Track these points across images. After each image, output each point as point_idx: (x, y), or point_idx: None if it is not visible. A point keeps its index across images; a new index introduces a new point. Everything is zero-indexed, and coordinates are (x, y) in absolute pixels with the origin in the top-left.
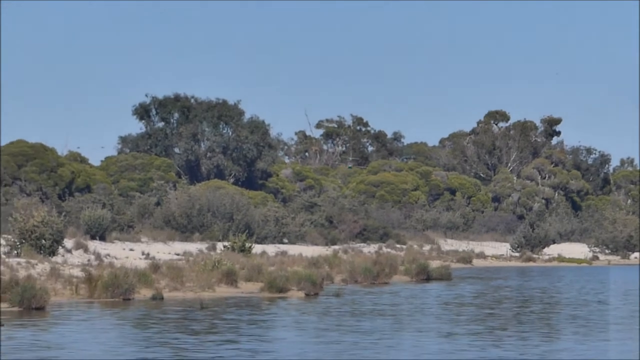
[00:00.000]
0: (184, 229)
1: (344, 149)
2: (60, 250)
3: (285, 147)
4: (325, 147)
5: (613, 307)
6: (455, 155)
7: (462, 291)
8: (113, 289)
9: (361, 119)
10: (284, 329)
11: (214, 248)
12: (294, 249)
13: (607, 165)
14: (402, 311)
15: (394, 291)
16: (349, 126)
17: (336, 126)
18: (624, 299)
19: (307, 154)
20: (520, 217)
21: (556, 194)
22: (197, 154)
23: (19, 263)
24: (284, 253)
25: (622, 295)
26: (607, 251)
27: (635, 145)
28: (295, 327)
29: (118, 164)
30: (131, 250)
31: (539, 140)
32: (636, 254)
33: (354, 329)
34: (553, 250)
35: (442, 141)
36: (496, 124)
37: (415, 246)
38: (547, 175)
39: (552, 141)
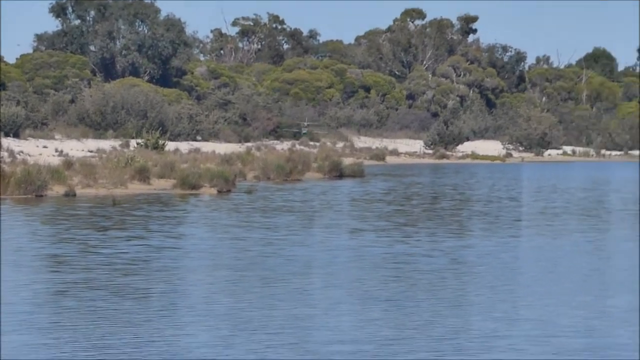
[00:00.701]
0: (97, 126)
1: (259, 47)
2: None
3: (201, 45)
4: (240, 45)
5: (524, 203)
6: (371, 53)
7: (374, 188)
8: (25, 186)
9: (277, 17)
10: (193, 225)
11: (127, 145)
12: (207, 146)
13: (522, 63)
14: (312, 208)
15: (306, 188)
16: (265, 24)
17: (252, 24)
18: (536, 195)
19: (222, 51)
20: (435, 115)
21: (471, 92)
22: (112, 51)
23: None
24: (197, 150)
25: (534, 192)
26: (520, 148)
27: (551, 44)
28: (204, 224)
29: (33, 61)
30: (45, 147)
31: (454, 38)
32: (550, 151)
33: (263, 225)
34: (467, 147)
35: (357, 39)
36: (412, 22)
37: (328, 143)
38: (462, 73)
39: (468, 39)
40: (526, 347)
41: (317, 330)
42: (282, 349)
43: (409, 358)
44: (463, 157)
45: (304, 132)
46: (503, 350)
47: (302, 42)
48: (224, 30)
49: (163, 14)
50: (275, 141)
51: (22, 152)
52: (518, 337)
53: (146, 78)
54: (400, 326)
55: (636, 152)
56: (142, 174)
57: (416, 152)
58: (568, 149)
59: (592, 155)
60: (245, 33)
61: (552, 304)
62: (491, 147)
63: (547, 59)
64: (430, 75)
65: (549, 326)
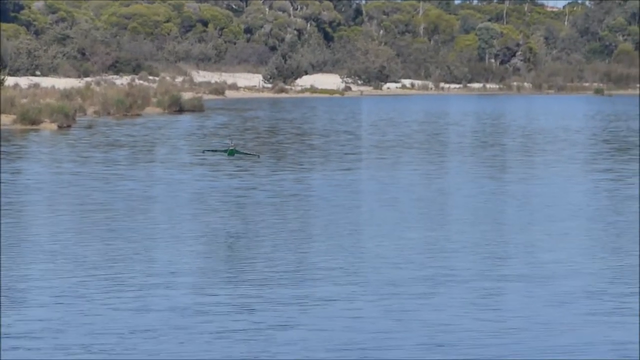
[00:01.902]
0: None
1: None
2: None
3: None
4: None
5: (360, 137)
6: None
7: (212, 122)
8: None
9: None
10: (28, 160)
11: None
12: (46, 82)
13: None
14: (146, 142)
15: (144, 123)
16: None
17: None
18: (373, 129)
19: None
20: (273, 49)
21: (308, 25)
22: None
23: None
24: (36, 85)
25: (371, 126)
26: (359, 82)
27: None
28: (41, 159)
29: None
30: None
31: None
32: (389, 85)
33: (96, 160)
34: (305, 81)
35: None
36: None
37: (167, 78)
38: (299, 7)
39: None
40: (342, 277)
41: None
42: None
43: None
44: (302, 91)
45: (231, 149)
46: (316, 279)
47: None
48: None
49: None
50: (115, 76)
51: None
52: (326, 270)
53: None
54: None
55: (475, 85)
56: None
57: (255, 86)
58: (407, 82)
59: (431, 88)
60: None
61: (380, 235)
62: (330, 81)
63: None
64: (267, 9)
65: (367, 257)
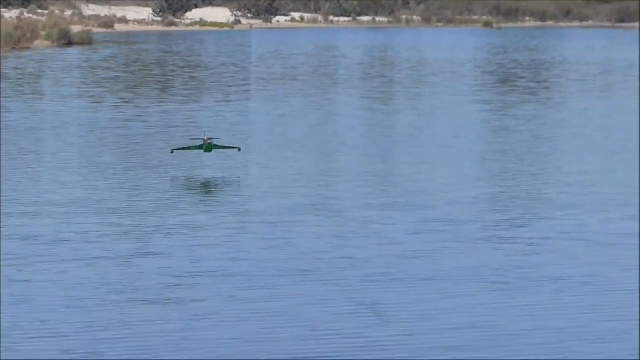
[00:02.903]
0: None
1: None
2: None
3: None
4: None
5: (247, 69)
6: None
7: (99, 55)
8: None
9: None
10: None
11: None
12: None
13: None
14: (32, 75)
15: (31, 56)
16: None
17: None
18: (260, 62)
19: None
20: None
21: None
22: None
23: None
24: None
25: (258, 59)
26: (249, 15)
27: None
28: None
29: None
30: None
31: None
32: (278, 18)
33: None
34: (195, 14)
35: None
36: None
37: (57, 11)
38: None
39: None
40: (220, 207)
41: None
42: None
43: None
44: (192, 24)
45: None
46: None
47: None
48: None
49: None
50: (4, 10)
51: None
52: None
53: None
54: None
55: (364, 19)
56: None
57: (145, 19)
58: (296, 15)
59: (321, 21)
60: None
61: (263, 165)
62: (220, 15)
63: None
64: None
65: (250, 185)
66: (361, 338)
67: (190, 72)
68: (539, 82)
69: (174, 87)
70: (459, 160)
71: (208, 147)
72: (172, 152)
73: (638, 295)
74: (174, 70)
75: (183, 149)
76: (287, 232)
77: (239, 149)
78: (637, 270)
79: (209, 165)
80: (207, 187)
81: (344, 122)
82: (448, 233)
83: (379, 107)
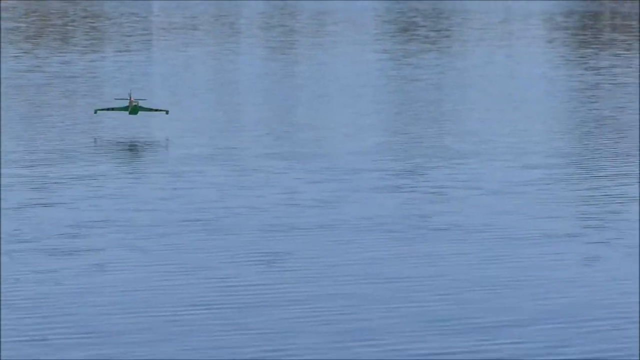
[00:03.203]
0: None
1: None
2: None
3: None
4: None
5: (148, 19)
6: None
7: None
8: None
9: None
10: None
11: None
12: None
13: None
14: None
15: None
16: None
17: None
18: (160, 11)
19: None
20: None
21: None
22: None
23: None
24: None
25: (159, 9)
26: None
27: None
28: None
29: None
30: None
31: None
32: None
33: None
34: None
35: None
36: None
37: None
38: None
39: None
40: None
41: None
42: None
43: None
44: None
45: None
46: None
47: None
48: None
49: None
50: None
51: None
52: None
53: None
54: None
55: None
56: None
57: None
58: None
59: None
60: None
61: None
62: None
63: None
64: None
65: (156, 128)
66: (262, 285)
67: (91, 22)
68: (439, 30)
69: (75, 38)
70: (359, 110)
71: (133, 109)
72: (95, 112)
73: (538, 243)
74: (74, 21)
75: (107, 109)
76: (188, 182)
77: (167, 112)
78: (537, 219)
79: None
80: (110, 141)
81: (244, 72)
82: (348, 182)
83: (280, 56)
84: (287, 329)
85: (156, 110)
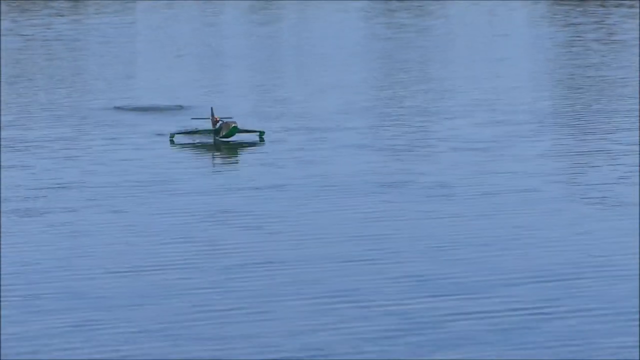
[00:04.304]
0: None
1: None
2: None
3: None
4: None
5: None
6: None
7: None
8: None
9: None
10: None
11: None
12: None
13: None
14: None
15: None
16: None
17: None
18: None
19: None
20: None
21: None
22: None
23: None
24: None
25: None
26: None
27: None
28: None
29: None
30: None
31: None
32: None
33: None
34: None
35: None
36: None
37: None
38: None
39: None
40: None
41: None
42: None
43: None
44: None
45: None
46: None
47: None
48: None
49: None
50: None
51: None
52: None
53: None
54: None
55: None
56: None
57: None
58: None
59: None
60: None
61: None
62: None
63: None
64: None
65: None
66: (246, 245)
67: None
68: None
69: (53, 0)
70: (335, 69)
71: (231, 131)
72: (171, 139)
73: (524, 201)
74: None
75: (188, 133)
76: (155, 148)
77: (262, 133)
78: (521, 177)
79: None
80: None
81: (224, 33)
82: (325, 141)
83: (257, 17)
84: (269, 290)
85: (252, 131)
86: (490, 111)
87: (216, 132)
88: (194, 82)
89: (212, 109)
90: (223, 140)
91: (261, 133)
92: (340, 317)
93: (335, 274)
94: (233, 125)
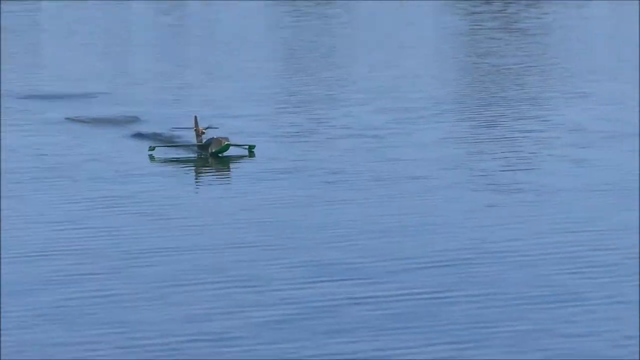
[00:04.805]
0: None
1: None
2: None
3: None
4: None
5: None
6: None
7: None
8: None
9: None
10: None
11: None
12: None
13: None
14: None
15: None
16: None
17: None
18: None
19: None
20: None
21: None
22: None
23: None
24: None
25: None
26: None
27: None
28: None
29: None
30: None
31: None
32: None
33: None
34: None
35: None
36: None
37: None
38: None
39: None
40: None
41: None
42: None
43: None
44: None
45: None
46: None
47: None
48: None
49: None
50: None
51: None
52: None
53: None
54: None
55: None
56: None
57: None
58: None
59: None
60: None
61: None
62: None
63: None
64: None
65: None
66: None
67: None
68: None
69: None
70: (237, 57)
71: (223, 148)
72: (150, 152)
73: (424, 189)
74: None
75: (169, 146)
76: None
77: (253, 147)
78: (419, 163)
79: None
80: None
81: (133, 23)
82: (225, 129)
83: (163, 6)
84: (168, 275)
85: (242, 145)
86: (391, 99)
87: (203, 146)
88: (99, 70)
89: (195, 117)
90: (214, 154)
91: (251, 147)
92: (238, 302)
93: (233, 259)
94: (226, 142)
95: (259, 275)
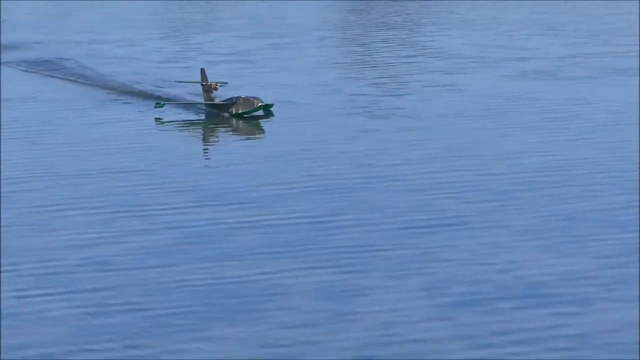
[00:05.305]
0: None
1: None
2: None
3: None
4: None
5: None
6: None
7: None
8: None
9: None
10: None
11: None
12: None
13: None
14: None
15: None
16: None
17: None
18: None
19: None
20: None
21: None
22: None
23: None
24: None
25: None
26: None
27: None
28: None
29: None
30: None
31: None
32: None
33: None
34: None
35: None
36: None
37: None
38: None
39: None
40: None
41: None
42: None
43: None
44: None
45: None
46: None
47: None
48: None
49: None
50: None
51: None
52: None
53: None
54: None
55: None
56: None
57: None
58: None
59: None
60: None
61: None
62: None
63: None
64: None
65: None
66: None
67: None
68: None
69: None
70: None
71: (257, 108)
72: (159, 107)
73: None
74: None
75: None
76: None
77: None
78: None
79: None
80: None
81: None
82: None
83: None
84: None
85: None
86: (268, 26)
87: (224, 106)
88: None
89: (202, 70)
90: (238, 115)
91: (267, 105)
92: (121, 228)
93: (114, 185)
94: (259, 103)
95: (141, 201)
